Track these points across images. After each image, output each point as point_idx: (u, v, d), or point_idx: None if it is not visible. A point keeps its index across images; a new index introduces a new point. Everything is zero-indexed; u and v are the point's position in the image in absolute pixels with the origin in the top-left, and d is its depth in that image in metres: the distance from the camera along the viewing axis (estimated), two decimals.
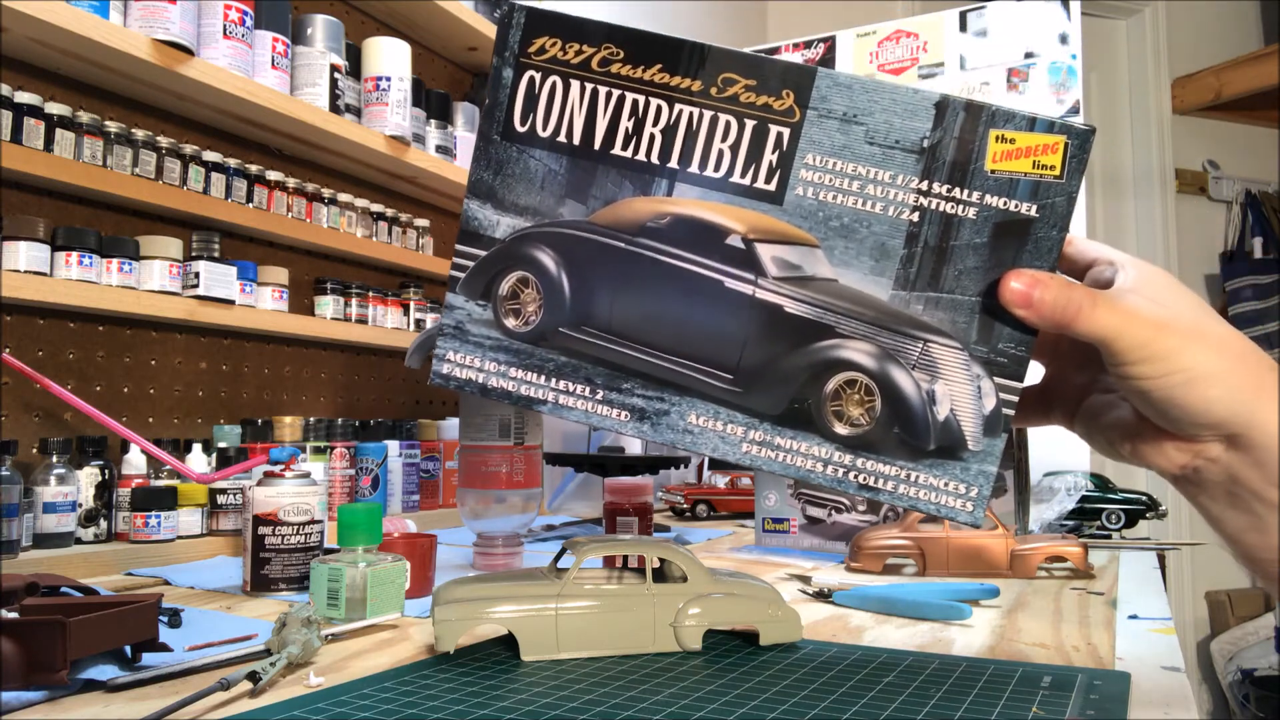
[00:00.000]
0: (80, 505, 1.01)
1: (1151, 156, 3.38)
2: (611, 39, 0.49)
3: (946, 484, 0.51)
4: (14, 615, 0.56)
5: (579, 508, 1.67)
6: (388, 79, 1.42)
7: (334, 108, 1.34)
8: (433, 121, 1.58)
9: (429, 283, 1.68)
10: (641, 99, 0.50)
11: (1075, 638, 0.69)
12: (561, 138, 0.51)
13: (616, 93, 0.50)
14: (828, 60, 1.57)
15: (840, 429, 0.51)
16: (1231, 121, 3.47)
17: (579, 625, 0.61)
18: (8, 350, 1.04)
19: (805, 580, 0.93)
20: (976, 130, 0.48)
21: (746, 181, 0.50)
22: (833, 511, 1.18)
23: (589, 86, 0.50)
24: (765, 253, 0.50)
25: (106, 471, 1.05)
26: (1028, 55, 1.53)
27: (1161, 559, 1.20)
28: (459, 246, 0.52)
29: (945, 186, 0.49)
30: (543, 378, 0.52)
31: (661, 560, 0.66)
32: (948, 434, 0.50)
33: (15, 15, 0.95)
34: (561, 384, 0.52)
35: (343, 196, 1.47)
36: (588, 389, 0.52)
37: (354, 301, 1.47)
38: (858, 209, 0.50)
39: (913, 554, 0.99)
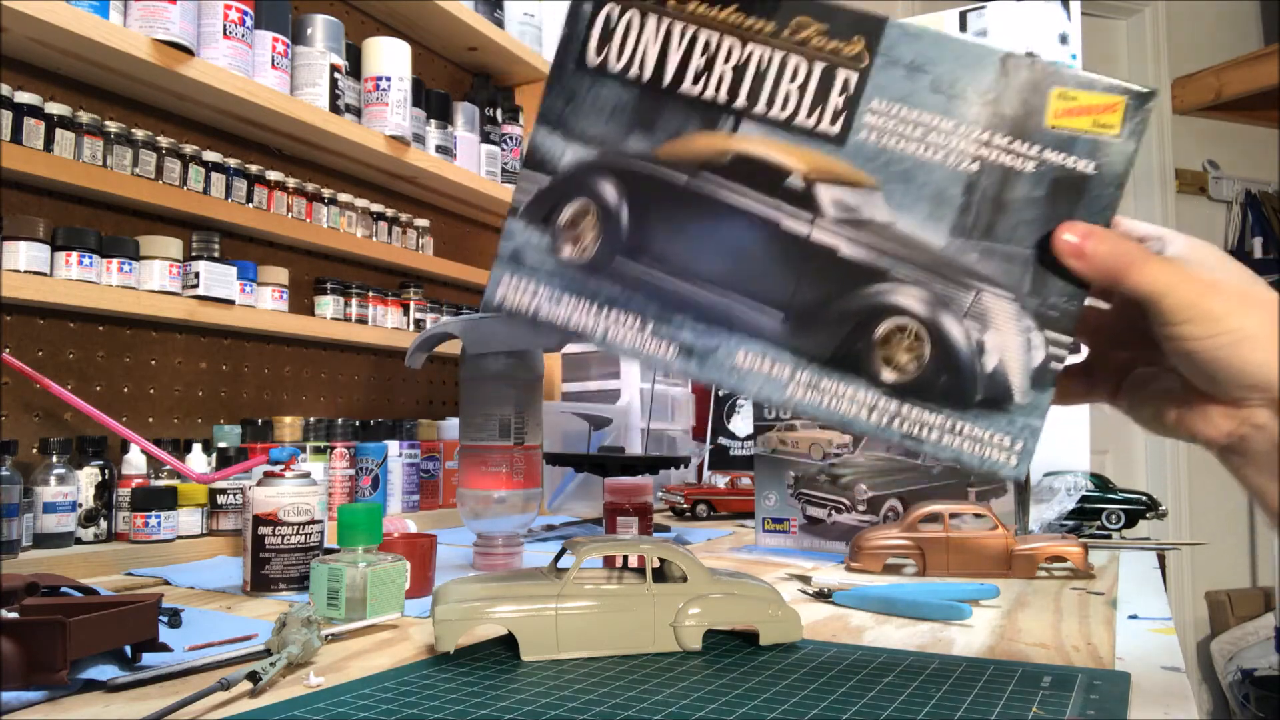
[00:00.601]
0: (80, 505, 1.01)
1: (1151, 156, 3.38)
2: None
3: (991, 436, 0.51)
4: (14, 615, 0.56)
5: (579, 508, 1.67)
6: (388, 79, 1.42)
7: (334, 108, 1.34)
8: (433, 121, 1.58)
9: (429, 283, 1.68)
10: (715, 37, 0.51)
11: (1075, 638, 0.69)
12: (634, 72, 0.51)
13: (691, 30, 0.51)
14: None
15: (888, 374, 0.51)
16: (1231, 121, 3.47)
17: (579, 625, 0.61)
18: (8, 350, 1.04)
19: (805, 580, 0.93)
20: (1040, 86, 0.49)
21: (811, 123, 0.51)
22: (833, 511, 1.18)
23: (665, 22, 0.51)
24: (824, 194, 0.51)
25: (106, 471, 1.05)
26: (1028, 55, 1.53)
27: (1161, 559, 1.20)
28: (524, 170, 0.52)
29: (1005, 139, 0.50)
30: (595, 306, 0.52)
31: (661, 560, 0.66)
32: (995, 385, 0.50)
33: (15, 15, 0.95)
34: (613, 314, 0.52)
35: (343, 196, 1.47)
36: (638, 321, 0.52)
37: (354, 301, 1.47)
38: (919, 156, 0.50)
39: (913, 554, 0.99)
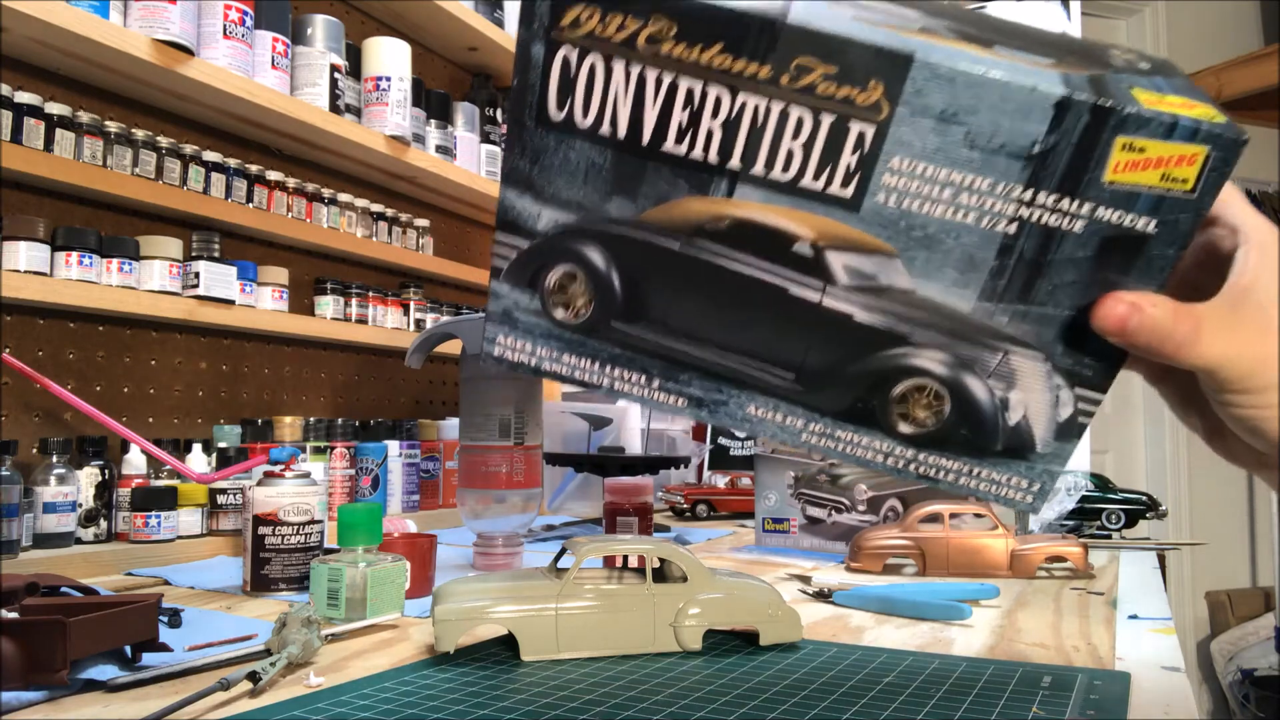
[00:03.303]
0: (80, 505, 1.01)
1: None
2: (660, 9, 0.42)
3: (1009, 479, 0.49)
4: (14, 615, 0.56)
5: (579, 508, 1.67)
6: (388, 79, 1.42)
7: (334, 108, 1.34)
8: (433, 121, 1.58)
9: (429, 283, 1.68)
10: (698, 86, 0.42)
11: (1075, 638, 0.69)
12: (605, 129, 0.44)
13: (668, 78, 0.42)
14: None
15: (904, 428, 0.48)
16: None
17: (579, 625, 0.61)
18: (8, 350, 1.04)
19: (805, 580, 0.93)
20: (1100, 136, 0.41)
21: (819, 186, 0.44)
22: (833, 511, 1.18)
23: (635, 69, 0.43)
24: (836, 261, 0.46)
25: (106, 471, 1.05)
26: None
27: (1161, 559, 1.20)
28: (499, 235, 0.47)
29: (1053, 197, 0.43)
30: (597, 365, 0.48)
31: (661, 560, 0.66)
32: (1016, 437, 0.48)
33: (15, 15, 0.95)
34: (617, 372, 0.49)
35: (343, 196, 1.47)
36: (644, 378, 0.48)
37: (354, 301, 1.47)
38: (946, 218, 0.44)
39: (913, 554, 0.99)
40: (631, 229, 0.46)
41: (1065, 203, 0.43)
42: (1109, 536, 1.39)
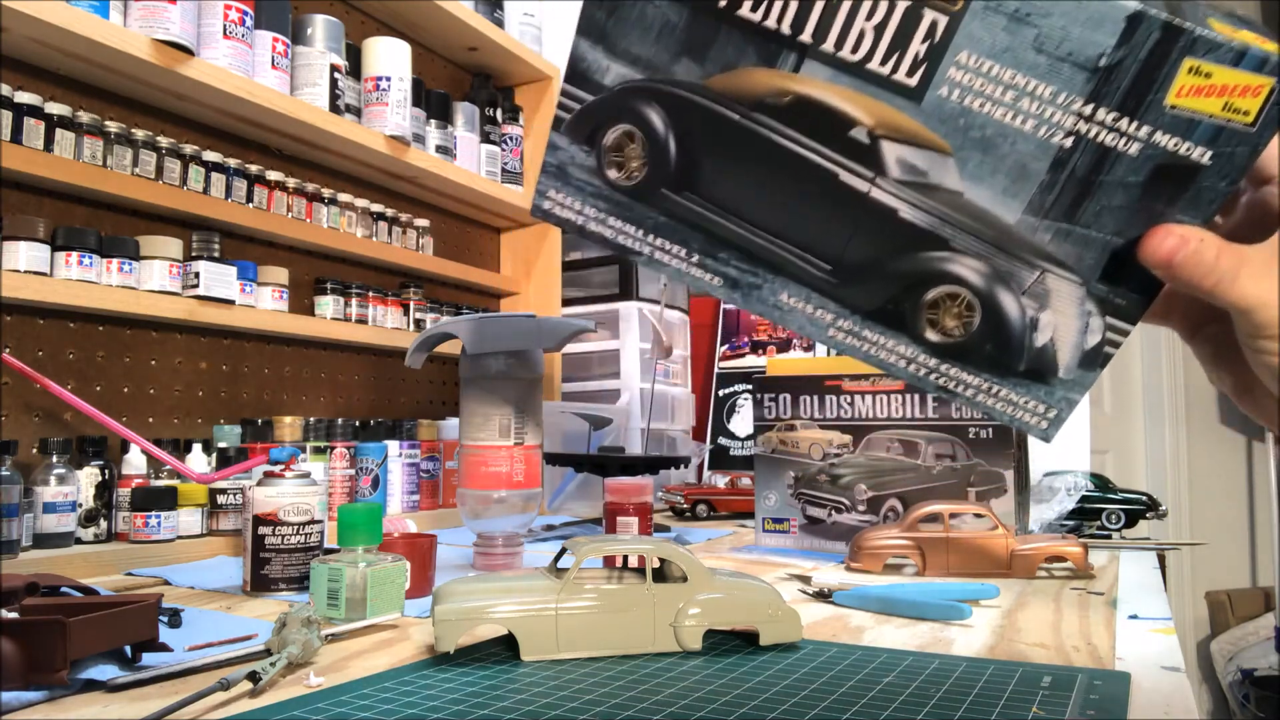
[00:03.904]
0: (80, 505, 1.01)
1: None
2: None
3: (1027, 402, 0.49)
4: (14, 615, 0.56)
5: (579, 508, 1.67)
6: (388, 79, 1.42)
7: (334, 108, 1.34)
8: (433, 121, 1.58)
9: (429, 283, 1.68)
10: None
11: (1075, 638, 0.69)
12: None
13: None
14: None
15: (931, 335, 0.48)
16: None
17: (579, 625, 0.61)
18: (8, 350, 1.04)
19: (805, 580, 0.93)
20: (1169, 56, 0.41)
21: (885, 70, 0.44)
22: (833, 511, 1.18)
23: None
24: (890, 152, 0.46)
25: (106, 471, 1.05)
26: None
27: (1161, 559, 1.20)
28: (565, 86, 0.47)
29: (1112, 115, 0.43)
30: (641, 231, 0.49)
31: (661, 560, 0.66)
32: (1041, 359, 0.48)
33: (15, 15, 0.95)
34: (659, 241, 0.49)
35: (343, 196, 1.47)
36: (684, 250, 0.49)
37: (354, 301, 1.47)
38: (1005, 122, 0.44)
39: (913, 554, 0.99)
40: (694, 93, 0.46)
41: (1124, 122, 0.43)
42: (1109, 536, 1.39)
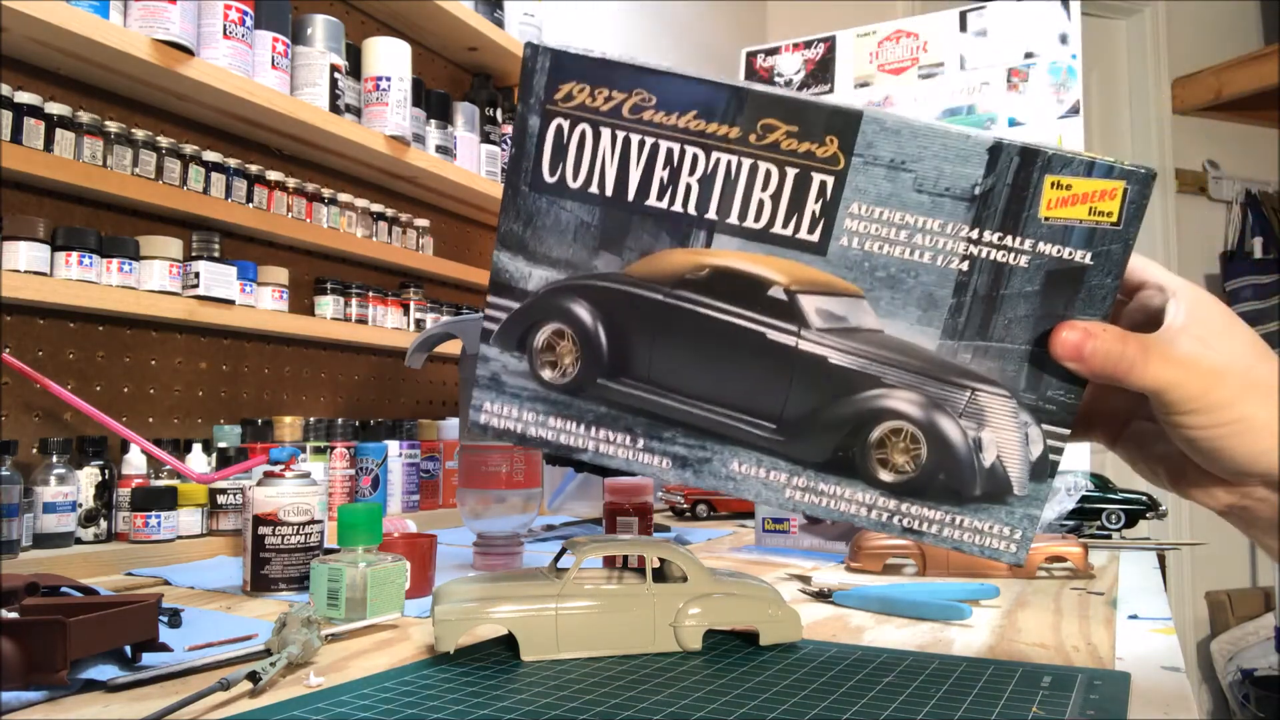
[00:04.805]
0: (80, 505, 1.01)
1: (1151, 156, 3.38)
2: (642, 84, 0.47)
3: (991, 527, 0.51)
4: (14, 615, 0.56)
5: (579, 508, 1.67)
6: (388, 79, 1.42)
7: (334, 108, 1.34)
8: (433, 121, 1.58)
9: (429, 283, 1.68)
10: (676, 147, 0.48)
11: (1075, 638, 0.69)
12: (593, 189, 0.49)
13: (650, 141, 0.48)
14: (827, 60, 1.57)
15: (885, 476, 0.50)
16: (1231, 121, 3.47)
17: (579, 625, 0.61)
18: (8, 350, 1.04)
19: (805, 580, 0.93)
20: (1031, 177, 0.47)
21: (788, 232, 0.48)
22: None
23: (620, 135, 0.48)
24: (808, 304, 0.49)
25: (106, 471, 1.05)
26: (1028, 55, 1.53)
27: (1161, 559, 1.20)
28: (491, 298, 0.50)
29: (997, 235, 0.48)
30: (582, 427, 0.51)
31: (661, 560, 0.66)
32: (993, 480, 0.50)
33: (15, 15, 0.95)
34: (601, 433, 0.51)
35: (343, 196, 1.47)
36: (628, 438, 0.51)
37: (354, 301, 1.47)
38: (905, 259, 0.48)
39: (913, 554, 0.99)
40: (618, 282, 0.50)
41: (1009, 239, 0.48)
42: (1109, 536, 1.39)
